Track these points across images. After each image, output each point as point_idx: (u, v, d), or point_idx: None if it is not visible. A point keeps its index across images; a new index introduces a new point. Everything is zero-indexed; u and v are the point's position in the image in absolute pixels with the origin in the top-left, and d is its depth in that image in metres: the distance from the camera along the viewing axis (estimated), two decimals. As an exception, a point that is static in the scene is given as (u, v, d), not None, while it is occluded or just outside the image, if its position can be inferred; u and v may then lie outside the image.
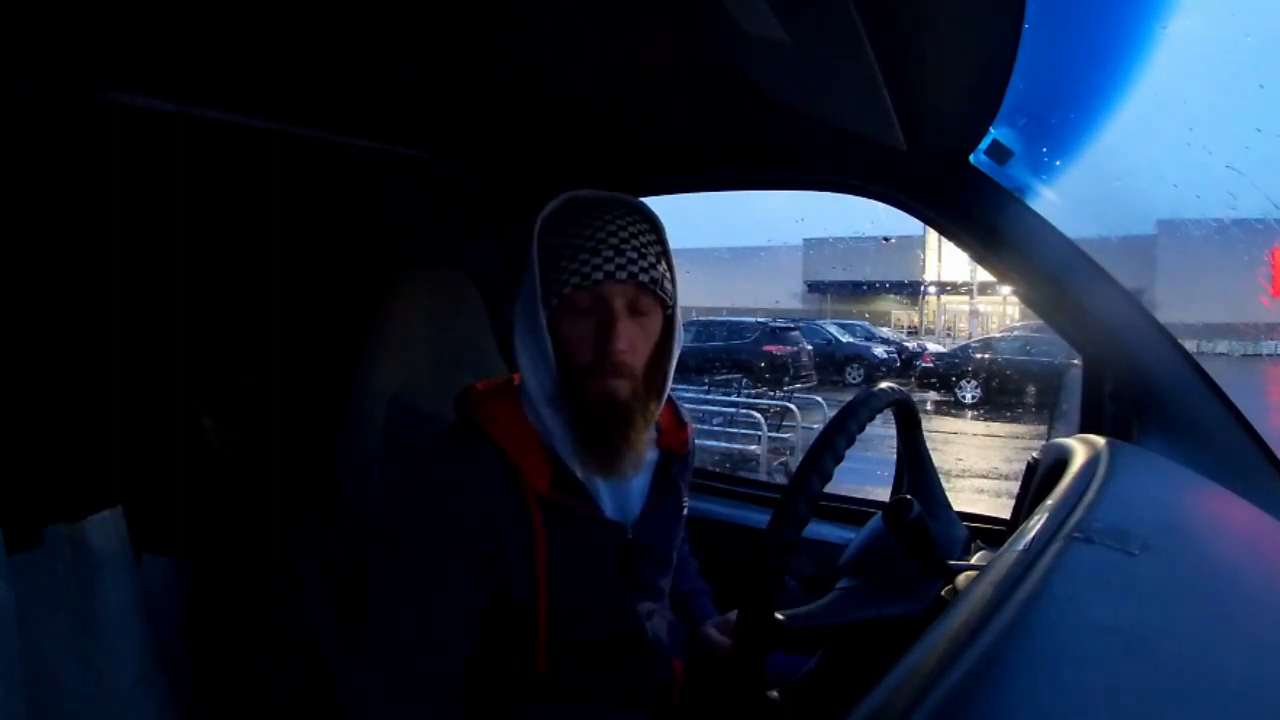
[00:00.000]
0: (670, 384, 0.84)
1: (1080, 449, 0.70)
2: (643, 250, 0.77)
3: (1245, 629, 0.44)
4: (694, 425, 0.96)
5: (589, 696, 0.82)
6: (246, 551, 1.11)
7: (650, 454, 0.86)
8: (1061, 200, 1.01)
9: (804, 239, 19.01)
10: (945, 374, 9.06)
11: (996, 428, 7.74)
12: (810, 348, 10.02)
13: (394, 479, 0.97)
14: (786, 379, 8.73)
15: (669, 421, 0.90)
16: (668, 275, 0.79)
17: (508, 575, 0.77)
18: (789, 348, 9.54)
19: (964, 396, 8.75)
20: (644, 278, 0.76)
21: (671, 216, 0.84)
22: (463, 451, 0.79)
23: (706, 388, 7.37)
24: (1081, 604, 0.41)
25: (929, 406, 8.57)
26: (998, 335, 11.07)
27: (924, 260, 17.10)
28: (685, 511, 0.93)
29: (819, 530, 1.22)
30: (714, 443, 5.43)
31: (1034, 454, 0.83)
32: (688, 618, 0.99)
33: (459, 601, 0.77)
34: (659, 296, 0.78)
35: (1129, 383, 0.94)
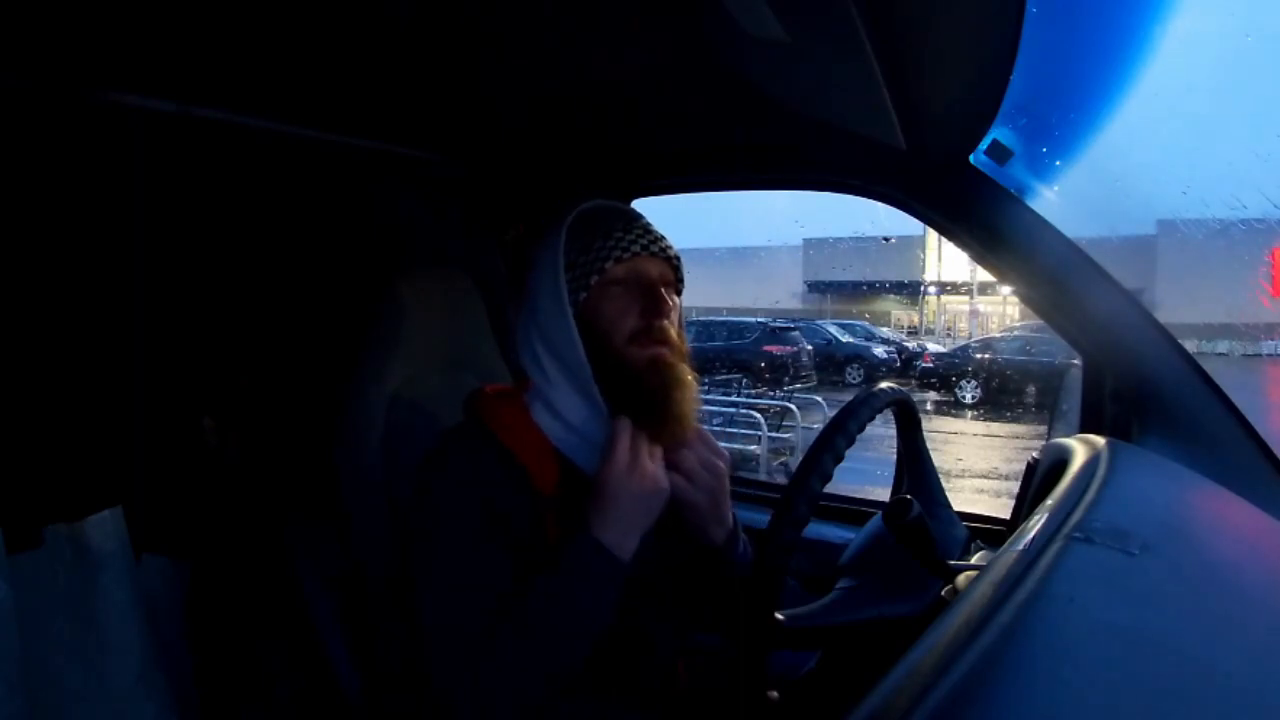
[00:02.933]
0: None
1: (1080, 449, 0.70)
2: (662, 236, 0.83)
3: (1245, 629, 0.44)
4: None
5: (590, 691, 0.82)
6: (246, 551, 1.11)
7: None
8: (1061, 200, 1.01)
9: (804, 239, 19.00)
10: (945, 374, 9.06)
11: (996, 428, 7.74)
12: (810, 348, 10.02)
13: (402, 480, 0.96)
14: (786, 379, 8.73)
15: None
16: (679, 257, 0.85)
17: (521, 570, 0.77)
18: (789, 348, 9.54)
19: (964, 396, 8.75)
20: (672, 253, 0.82)
21: (672, 216, 0.86)
22: (474, 451, 0.79)
23: (706, 388, 7.36)
24: (1081, 604, 0.41)
25: (929, 406, 8.57)
26: (998, 335, 11.07)
27: (924, 260, 17.09)
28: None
29: (819, 530, 1.22)
30: (714, 443, 5.42)
31: (1034, 454, 0.83)
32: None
33: (508, 580, 0.75)
34: (679, 277, 0.84)
35: (1129, 383, 0.94)
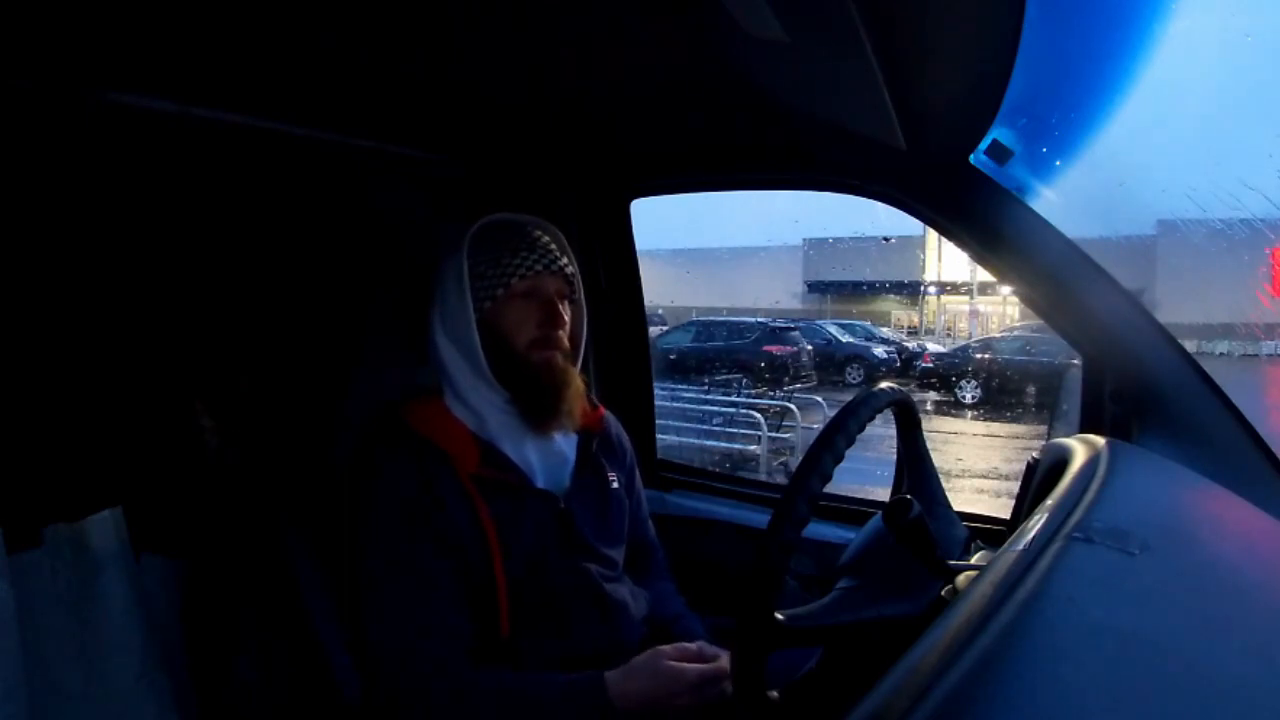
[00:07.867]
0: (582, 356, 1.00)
1: (1080, 449, 0.70)
2: (562, 251, 0.96)
3: (1245, 629, 0.44)
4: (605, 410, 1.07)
5: (557, 664, 0.85)
6: (246, 551, 1.11)
7: (571, 436, 0.98)
8: (1061, 200, 1.01)
9: (804, 239, 18.92)
10: (945, 374, 9.03)
11: (996, 428, 7.73)
12: (810, 348, 9.98)
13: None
14: (786, 379, 8.71)
15: (583, 406, 1.01)
16: (578, 272, 0.99)
17: (465, 550, 0.86)
18: (789, 348, 9.52)
19: (964, 396, 8.73)
20: (569, 270, 0.96)
21: (672, 216, 0.86)
22: (396, 448, 0.88)
23: (706, 388, 7.36)
24: (1081, 604, 0.41)
25: (929, 406, 8.54)
26: (998, 335, 11.04)
27: (924, 260, 17.03)
28: (615, 486, 1.01)
29: (819, 530, 1.22)
30: (714, 443, 5.42)
31: (1034, 454, 0.83)
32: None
33: (442, 580, 0.84)
34: (574, 288, 0.97)
35: (1129, 383, 0.94)
